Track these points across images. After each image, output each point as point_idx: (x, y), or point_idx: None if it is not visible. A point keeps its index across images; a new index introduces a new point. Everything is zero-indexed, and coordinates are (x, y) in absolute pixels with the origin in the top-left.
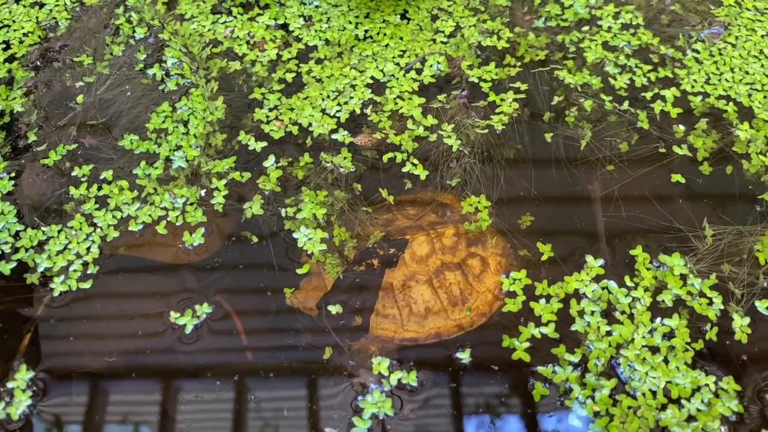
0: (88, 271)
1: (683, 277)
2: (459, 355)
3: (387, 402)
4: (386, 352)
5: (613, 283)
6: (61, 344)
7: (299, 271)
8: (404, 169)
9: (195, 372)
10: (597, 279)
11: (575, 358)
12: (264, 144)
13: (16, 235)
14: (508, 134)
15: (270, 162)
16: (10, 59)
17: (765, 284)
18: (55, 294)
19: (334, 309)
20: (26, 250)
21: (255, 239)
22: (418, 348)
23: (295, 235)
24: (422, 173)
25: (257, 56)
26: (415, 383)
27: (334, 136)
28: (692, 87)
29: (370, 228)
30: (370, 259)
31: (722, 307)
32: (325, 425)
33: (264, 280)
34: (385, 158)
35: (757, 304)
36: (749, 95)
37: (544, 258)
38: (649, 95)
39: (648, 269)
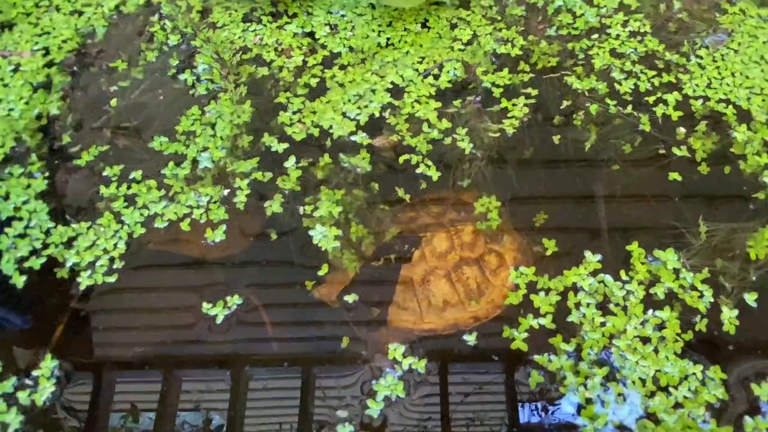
0: (114, 266)
1: (676, 271)
2: (466, 337)
3: (399, 385)
4: (406, 343)
5: (609, 276)
6: (93, 335)
7: (320, 273)
8: (418, 170)
9: (225, 360)
10: (594, 273)
11: (570, 348)
12: (286, 145)
13: (47, 232)
14: (519, 137)
15: (291, 162)
16: (49, 64)
17: (754, 278)
18: (82, 287)
19: (353, 300)
20: (56, 246)
21: (275, 236)
22: (436, 337)
23: (311, 233)
24: (434, 174)
25: (284, 62)
26: (424, 371)
27: (353, 138)
28: (694, 91)
29: (389, 225)
30: (389, 255)
31: (712, 300)
32: (339, 408)
33: (287, 274)
34: (401, 159)
35: (746, 296)
36: (748, 99)
37: (548, 253)
38: (652, 99)
39: (642, 264)
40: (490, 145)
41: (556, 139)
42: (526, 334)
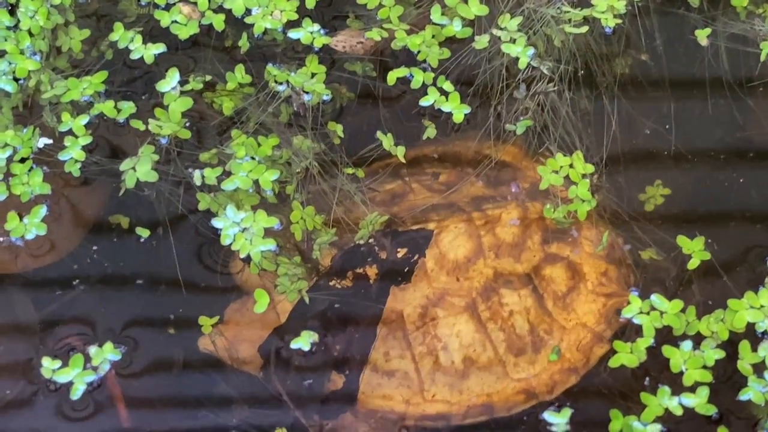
0: None
1: None
2: (549, 416)
3: None
4: None
5: None
6: None
7: (257, 309)
8: (424, 101)
9: None
10: None
11: None
12: (160, 49)
13: None
14: (626, 34)
15: (171, 83)
16: None
17: None
18: None
19: (299, 352)
20: None
21: (144, 231)
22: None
23: (217, 222)
24: (459, 109)
25: None
26: None
27: (292, 35)
28: None
29: (362, 208)
30: (361, 267)
31: None
32: None
33: (161, 305)
34: (390, 78)
35: None
36: None
37: (692, 265)
38: None
39: None
40: (569, 52)
41: (700, 35)
42: (658, 428)
